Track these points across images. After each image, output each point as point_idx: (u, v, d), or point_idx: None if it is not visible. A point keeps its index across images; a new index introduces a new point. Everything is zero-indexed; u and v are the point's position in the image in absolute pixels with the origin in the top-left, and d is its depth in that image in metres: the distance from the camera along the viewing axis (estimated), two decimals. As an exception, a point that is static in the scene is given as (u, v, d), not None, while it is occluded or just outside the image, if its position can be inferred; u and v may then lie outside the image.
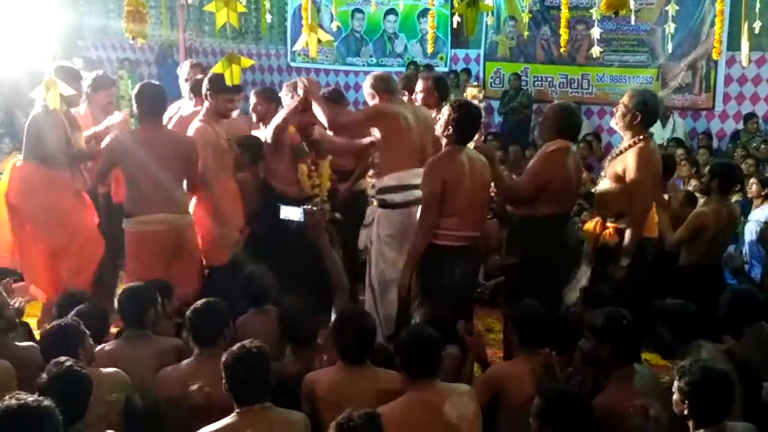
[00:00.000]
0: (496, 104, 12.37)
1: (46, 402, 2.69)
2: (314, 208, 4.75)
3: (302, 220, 4.52)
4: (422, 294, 4.61)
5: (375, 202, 5.38)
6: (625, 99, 4.84)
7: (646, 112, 4.76)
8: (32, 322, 5.04)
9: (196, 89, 5.71)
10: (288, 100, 5.88)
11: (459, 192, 4.54)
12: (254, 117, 5.82)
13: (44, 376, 3.10)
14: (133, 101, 5.16)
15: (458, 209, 4.55)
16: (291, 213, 4.73)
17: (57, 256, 5.42)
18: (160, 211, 5.01)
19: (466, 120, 4.60)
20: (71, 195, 5.42)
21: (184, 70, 6.43)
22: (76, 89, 5.25)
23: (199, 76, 6.03)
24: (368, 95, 5.35)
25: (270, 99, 5.90)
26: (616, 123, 4.87)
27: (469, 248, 4.67)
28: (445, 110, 4.67)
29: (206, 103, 5.26)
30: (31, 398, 2.67)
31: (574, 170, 4.79)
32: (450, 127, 4.58)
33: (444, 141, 4.66)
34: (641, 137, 4.75)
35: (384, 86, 5.26)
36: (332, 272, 4.31)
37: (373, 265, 5.05)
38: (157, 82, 5.52)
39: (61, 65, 5.16)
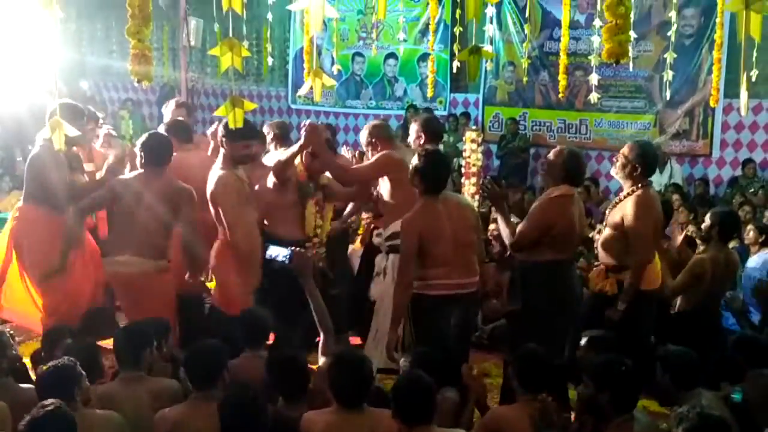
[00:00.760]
0: (494, 148, 12.45)
1: None
2: (301, 250, 4.68)
3: (287, 261, 4.48)
4: (416, 344, 4.56)
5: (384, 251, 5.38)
6: (625, 150, 4.89)
7: (645, 164, 4.83)
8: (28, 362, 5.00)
9: (173, 130, 5.74)
10: (269, 139, 5.97)
11: (440, 242, 4.49)
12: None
13: (26, 419, 3.07)
14: (138, 148, 5.15)
15: (445, 258, 4.50)
16: (278, 252, 4.68)
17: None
18: (128, 254, 5.02)
19: (431, 168, 4.55)
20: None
21: (168, 109, 6.42)
22: (80, 127, 5.27)
23: (180, 118, 6.08)
24: (367, 144, 5.37)
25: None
26: (616, 173, 4.92)
27: (464, 296, 4.59)
28: (413, 160, 4.63)
29: (222, 150, 5.13)
30: None
31: (577, 217, 4.80)
32: (416, 177, 4.57)
33: (416, 192, 4.62)
34: (640, 185, 4.80)
35: (384, 133, 5.30)
36: (317, 314, 4.31)
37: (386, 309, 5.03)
38: (164, 133, 5.51)
39: (64, 103, 5.20)
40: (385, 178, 5.21)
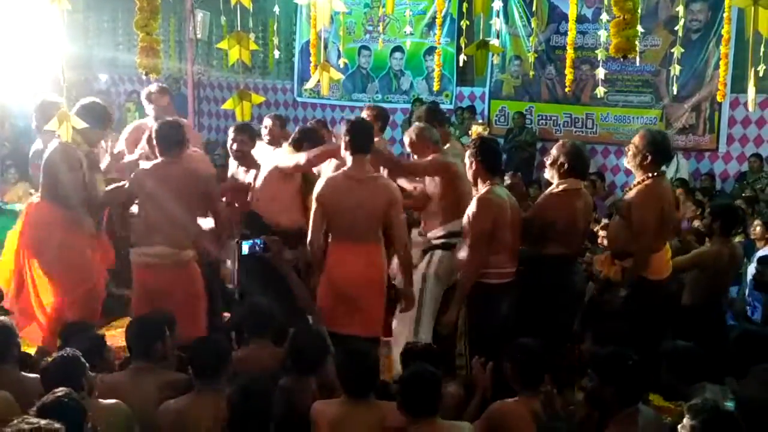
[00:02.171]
0: (500, 142, 12.42)
1: (43, 422, 2.69)
2: (274, 237, 4.66)
3: (262, 250, 4.47)
4: (470, 331, 4.62)
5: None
6: (635, 139, 4.89)
7: (655, 152, 4.80)
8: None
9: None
10: (266, 132, 5.99)
11: (505, 228, 4.58)
12: (267, 138, 5.97)
13: (36, 405, 3.08)
14: (153, 137, 5.16)
15: (504, 246, 4.60)
16: (252, 244, 4.65)
17: (63, 298, 5.36)
18: (158, 244, 5.03)
19: (486, 149, 4.69)
20: (87, 237, 5.35)
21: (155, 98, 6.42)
22: (100, 127, 5.27)
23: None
24: (413, 146, 5.38)
25: (283, 125, 6.03)
26: (627, 162, 4.93)
27: (513, 283, 4.70)
28: (467, 154, 4.76)
29: (358, 156, 4.75)
30: (34, 419, 2.68)
31: (582, 211, 4.81)
32: (474, 163, 4.65)
33: (480, 181, 4.69)
34: (650, 175, 4.79)
35: (433, 137, 5.33)
36: (300, 298, 4.34)
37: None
38: (176, 120, 5.50)
39: (85, 104, 5.17)
40: (437, 179, 5.22)
